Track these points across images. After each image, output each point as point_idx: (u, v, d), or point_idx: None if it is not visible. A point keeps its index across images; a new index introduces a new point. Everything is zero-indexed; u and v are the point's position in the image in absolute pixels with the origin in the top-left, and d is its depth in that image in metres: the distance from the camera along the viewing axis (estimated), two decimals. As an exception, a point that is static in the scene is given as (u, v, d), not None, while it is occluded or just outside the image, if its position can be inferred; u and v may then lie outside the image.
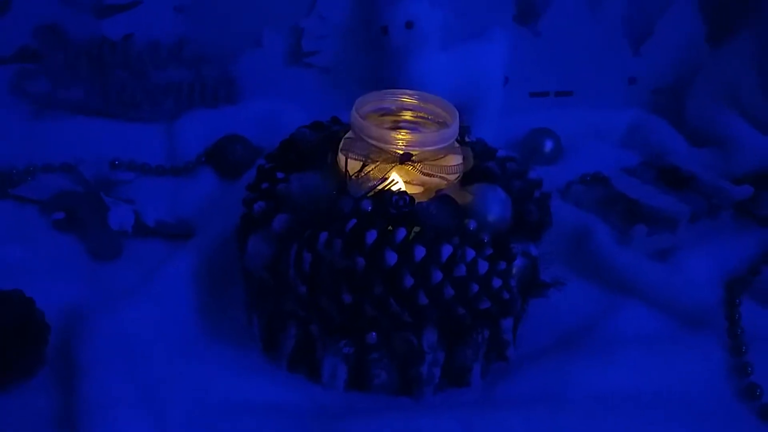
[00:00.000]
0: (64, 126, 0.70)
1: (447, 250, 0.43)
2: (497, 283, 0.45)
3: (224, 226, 0.59)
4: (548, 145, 0.71)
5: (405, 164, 0.45)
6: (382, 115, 0.51)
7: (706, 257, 0.58)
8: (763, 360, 0.50)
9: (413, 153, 0.45)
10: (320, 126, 0.54)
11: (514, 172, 0.51)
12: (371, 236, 0.43)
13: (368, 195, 0.45)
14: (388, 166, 0.45)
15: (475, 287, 0.44)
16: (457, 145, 0.48)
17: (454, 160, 0.46)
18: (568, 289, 0.51)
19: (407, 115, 0.51)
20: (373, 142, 0.45)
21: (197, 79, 0.73)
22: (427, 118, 0.50)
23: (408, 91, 0.50)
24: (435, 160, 0.46)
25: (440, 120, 0.50)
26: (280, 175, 0.50)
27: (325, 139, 0.51)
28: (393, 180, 0.45)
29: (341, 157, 0.48)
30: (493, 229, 0.46)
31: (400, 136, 0.45)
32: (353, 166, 0.46)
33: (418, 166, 0.45)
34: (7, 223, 0.61)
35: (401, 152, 0.45)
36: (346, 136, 0.47)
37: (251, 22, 0.73)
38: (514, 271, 0.46)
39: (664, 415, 0.47)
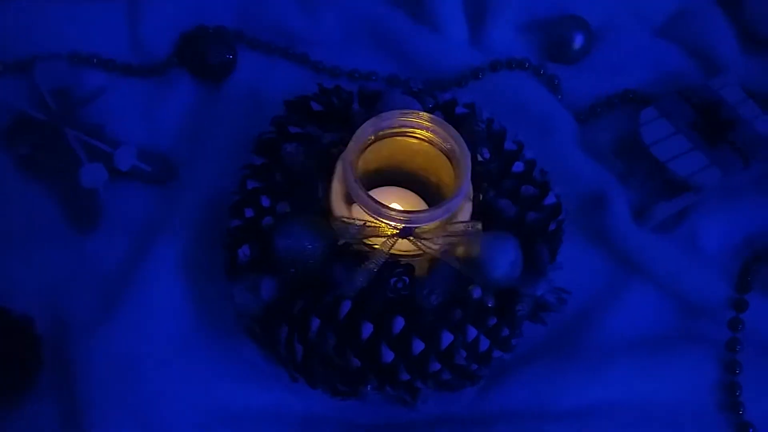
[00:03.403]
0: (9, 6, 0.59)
1: (447, 339, 0.41)
2: (498, 353, 0.43)
3: (208, 173, 0.54)
4: (578, 41, 0.61)
5: (406, 239, 0.40)
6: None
7: (727, 224, 0.55)
8: (755, 376, 0.50)
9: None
10: (308, 111, 0.47)
11: (531, 199, 0.45)
12: (367, 329, 0.40)
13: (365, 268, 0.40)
14: (388, 242, 0.40)
15: (474, 366, 0.43)
16: (467, 208, 0.42)
17: (457, 228, 0.40)
18: (574, 267, 0.50)
19: (417, 133, 0.43)
20: (369, 214, 0.39)
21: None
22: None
23: (414, 113, 0.42)
24: (439, 228, 0.40)
25: (449, 146, 0.42)
26: (265, 202, 0.44)
27: (314, 158, 0.44)
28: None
29: (334, 191, 0.43)
30: (500, 283, 0.43)
31: (400, 216, 0.39)
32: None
33: (420, 242, 0.40)
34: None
35: (400, 227, 0.40)
36: (342, 218, 0.40)
37: None
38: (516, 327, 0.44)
39: (648, 430, 0.49)
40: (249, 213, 0.44)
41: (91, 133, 0.55)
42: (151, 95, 0.59)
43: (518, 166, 0.45)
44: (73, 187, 0.53)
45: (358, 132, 0.41)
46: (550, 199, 0.45)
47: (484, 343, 0.42)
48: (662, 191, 0.54)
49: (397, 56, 0.61)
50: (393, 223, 0.39)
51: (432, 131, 0.42)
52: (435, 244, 0.40)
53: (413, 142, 0.44)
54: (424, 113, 0.42)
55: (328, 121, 0.46)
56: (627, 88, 0.60)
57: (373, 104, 0.47)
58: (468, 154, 0.40)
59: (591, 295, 0.53)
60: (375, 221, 0.39)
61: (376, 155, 0.45)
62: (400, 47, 0.61)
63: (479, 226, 0.40)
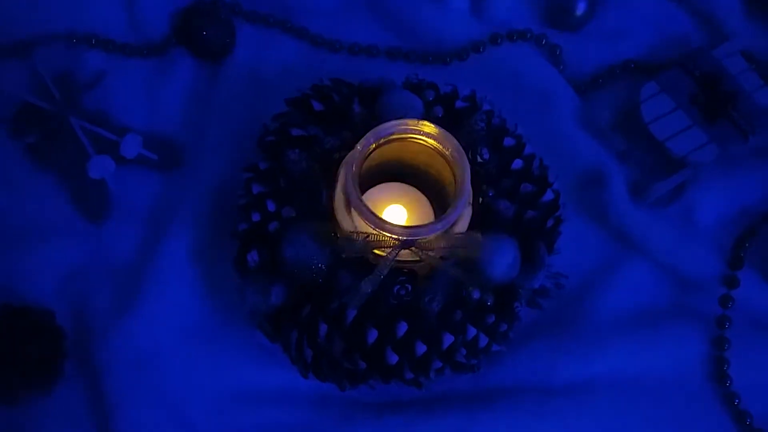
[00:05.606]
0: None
1: (448, 340, 0.43)
2: (496, 348, 0.45)
3: (213, 157, 0.55)
4: (581, 7, 0.60)
5: (408, 249, 0.42)
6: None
7: (724, 197, 0.56)
8: (742, 350, 0.52)
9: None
10: (309, 110, 0.47)
11: (529, 196, 0.46)
12: (372, 335, 0.42)
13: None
14: (390, 253, 0.42)
15: (474, 360, 0.45)
16: (467, 213, 0.43)
17: (457, 238, 0.42)
18: (571, 244, 0.51)
19: (418, 139, 0.44)
20: (370, 227, 0.41)
21: None
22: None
23: (414, 122, 0.43)
24: (440, 238, 0.42)
25: (449, 152, 0.43)
26: (271, 206, 0.45)
27: (317, 164, 0.45)
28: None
29: (337, 197, 0.44)
30: (499, 283, 0.45)
31: (402, 231, 0.40)
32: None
33: (421, 252, 0.42)
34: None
35: (401, 239, 0.41)
36: (346, 234, 0.41)
37: None
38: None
39: (640, 404, 0.51)
40: (256, 217, 0.45)
41: (95, 120, 0.56)
42: (152, 77, 0.59)
43: (517, 164, 0.46)
44: (81, 178, 0.54)
45: (360, 144, 0.41)
46: (547, 196, 0.46)
47: (483, 340, 0.44)
48: (660, 168, 0.55)
49: (398, 28, 0.60)
50: (392, 234, 0.40)
51: (432, 138, 0.43)
52: (436, 252, 0.42)
53: (414, 144, 0.45)
54: (425, 122, 0.42)
55: (329, 120, 0.47)
56: (628, 58, 0.59)
57: (374, 101, 0.47)
58: (468, 168, 0.41)
59: (587, 272, 0.55)
60: (378, 233, 0.41)
61: (378, 153, 0.46)
62: (401, 18, 0.60)
63: (478, 236, 0.41)
